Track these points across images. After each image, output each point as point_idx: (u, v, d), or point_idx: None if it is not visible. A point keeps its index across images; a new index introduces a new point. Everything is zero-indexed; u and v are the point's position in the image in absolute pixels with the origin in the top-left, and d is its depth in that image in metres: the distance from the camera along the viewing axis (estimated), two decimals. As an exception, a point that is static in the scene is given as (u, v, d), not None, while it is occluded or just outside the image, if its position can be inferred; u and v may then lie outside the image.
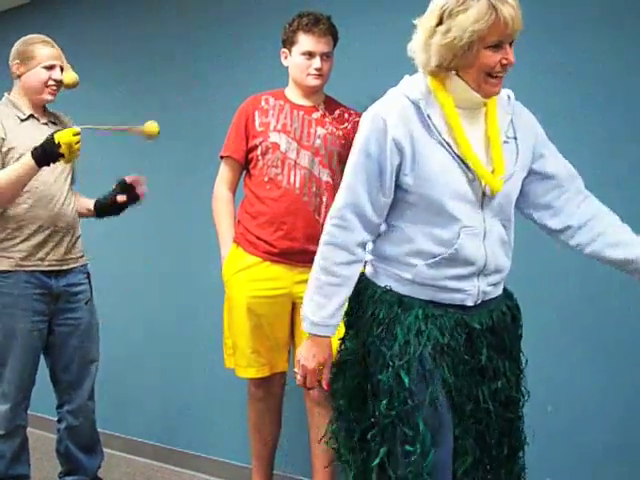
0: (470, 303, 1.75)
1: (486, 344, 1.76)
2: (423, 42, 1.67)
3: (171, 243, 3.51)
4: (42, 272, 2.63)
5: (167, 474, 3.39)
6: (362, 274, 1.83)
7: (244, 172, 2.70)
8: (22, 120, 2.64)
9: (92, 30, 3.82)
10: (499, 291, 1.82)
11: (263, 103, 2.63)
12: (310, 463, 2.67)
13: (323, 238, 1.78)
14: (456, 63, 1.65)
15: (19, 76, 2.66)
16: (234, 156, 2.65)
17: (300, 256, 2.51)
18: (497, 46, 1.62)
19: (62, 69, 2.65)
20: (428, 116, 1.68)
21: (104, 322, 3.52)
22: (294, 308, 2.59)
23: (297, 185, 2.53)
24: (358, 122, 2.56)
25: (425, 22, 1.68)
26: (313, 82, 2.55)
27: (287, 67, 2.61)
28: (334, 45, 2.58)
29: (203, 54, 3.41)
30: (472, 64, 1.64)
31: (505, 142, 1.74)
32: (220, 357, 2.72)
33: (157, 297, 3.57)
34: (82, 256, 2.78)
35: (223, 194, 2.68)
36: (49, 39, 2.67)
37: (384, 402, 1.68)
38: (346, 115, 2.64)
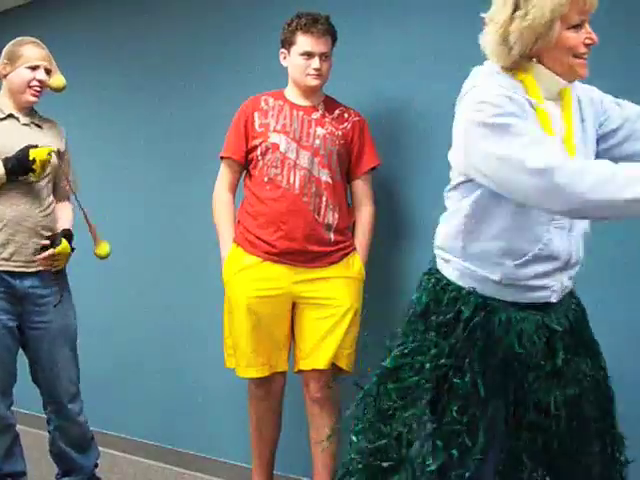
0: (554, 300, 1.71)
1: (563, 346, 1.71)
2: (501, 34, 1.62)
3: (171, 244, 3.51)
4: (6, 272, 2.58)
5: (168, 474, 3.39)
6: (439, 273, 1.77)
7: (244, 173, 2.71)
8: (1, 119, 2.62)
9: (91, 30, 3.82)
10: (572, 284, 1.78)
11: (263, 104, 2.64)
12: (310, 463, 2.68)
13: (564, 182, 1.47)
14: (539, 48, 1.60)
15: (5, 76, 2.65)
16: (234, 157, 2.66)
17: (300, 256, 2.53)
18: (578, 26, 1.59)
19: (48, 71, 2.63)
20: (531, 106, 1.62)
21: (105, 323, 3.54)
22: (294, 308, 2.60)
23: (297, 185, 2.54)
24: (358, 122, 2.63)
25: (499, 13, 1.63)
26: (312, 82, 2.56)
27: (286, 67, 2.62)
28: (333, 45, 2.59)
29: (203, 54, 3.40)
30: (555, 47, 1.60)
31: (582, 129, 1.71)
32: (221, 357, 2.73)
33: (157, 298, 3.56)
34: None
35: (223, 195, 2.69)
36: (39, 41, 2.66)
37: (455, 407, 1.64)
38: (346, 115, 2.64)
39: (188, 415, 3.43)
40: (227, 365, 2.70)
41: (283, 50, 2.61)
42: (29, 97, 2.62)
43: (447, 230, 1.77)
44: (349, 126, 2.61)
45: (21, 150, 2.49)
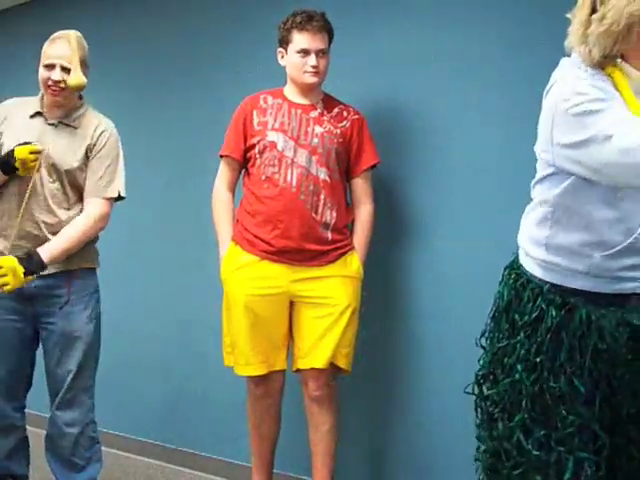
0: None
1: None
2: (581, 34, 1.58)
3: (171, 243, 3.50)
4: None
5: (168, 473, 3.38)
6: (521, 269, 1.74)
7: (244, 171, 2.71)
8: (30, 116, 2.59)
9: (93, 29, 3.81)
10: None
11: (261, 102, 2.64)
12: (310, 461, 2.68)
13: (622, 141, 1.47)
14: (619, 49, 1.55)
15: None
16: (233, 155, 2.66)
17: (297, 255, 2.53)
18: None
19: (67, 70, 2.51)
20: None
21: (104, 322, 3.54)
22: (292, 307, 2.60)
23: (294, 184, 2.54)
24: (357, 120, 2.63)
25: (578, 14, 1.59)
26: (310, 79, 2.55)
27: (284, 67, 2.62)
28: (330, 41, 2.58)
29: (204, 53, 3.40)
30: (637, 47, 1.55)
31: None
32: (220, 356, 2.73)
33: (157, 297, 3.56)
34: (75, 261, 2.59)
35: (222, 194, 2.69)
36: (66, 36, 2.54)
37: (563, 411, 1.62)
38: (345, 113, 2.64)
39: (188, 414, 3.43)
40: (226, 363, 2.69)
41: (280, 49, 2.61)
42: (50, 97, 2.56)
43: (531, 222, 1.74)
44: (348, 124, 2.61)
45: (14, 147, 2.46)
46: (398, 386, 2.80)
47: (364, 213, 2.63)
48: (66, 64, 2.50)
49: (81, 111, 2.64)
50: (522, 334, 1.67)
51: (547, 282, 1.68)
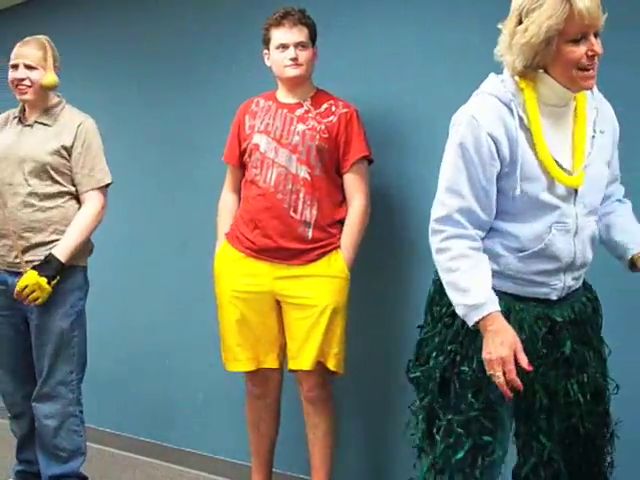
0: (554, 297, 1.76)
1: (569, 336, 1.75)
2: (507, 44, 1.67)
3: (171, 244, 3.50)
4: (2, 270, 2.68)
5: (167, 472, 3.39)
6: None
7: None
8: (14, 122, 2.72)
9: (92, 29, 3.81)
10: (580, 283, 1.82)
11: (253, 106, 2.69)
12: (309, 461, 2.68)
13: (436, 248, 1.73)
14: (540, 61, 1.64)
15: None
16: (229, 161, 2.75)
17: (277, 253, 2.56)
18: (579, 40, 1.60)
19: (31, 68, 2.61)
20: (520, 117, 1.67)
21: (104, 323, 3.54)
22: (281, 307, 2.61)
23: (272, 183, 2.56)
24: (345, 114, 2.59)
25: (507, 24, 1.67)
26: (291, 72, 2.55)
27: (270, 67, 2.63)
28: (311, 35, 2.57)
29: (203, 52, 3.38)
30: (556, 60, 1.63)
31: (593, 137, 1.74)
32: (219, 354, 2.73)
33: (155, 297, 3.56)
34: None
35: (224, 196, 2.78)
36: (33, 39, 2.68)
37: (469, 394, 1.71)
38: (333, 108, 2.61)
39: (188, 413, 3.43)
40: (223, 360, 2.72)
41: (265, 51, 2.64)
42: (18, 95, 2.68)
43: None
44: (335, 119, 2.58)
45: None
46: (397, 386, 2.79)
47: (353, 209, 2.59)
48: (29, 62, 2.61)
49: (58, 109, 2.71)
50: (440, 325, 1.78)
51: None
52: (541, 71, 1.67)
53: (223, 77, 3.31)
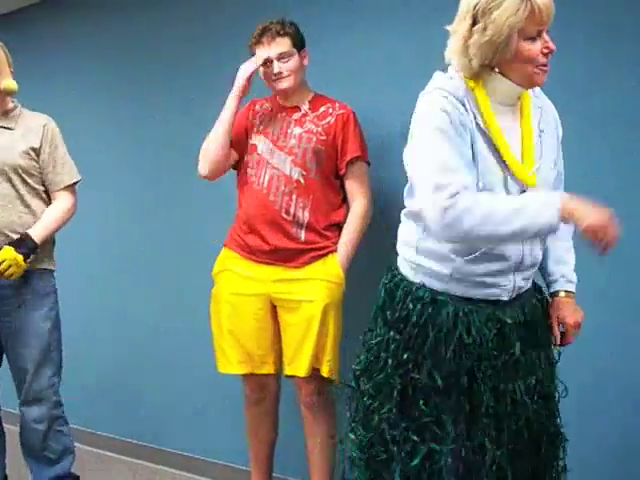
0: (505, 298, 1.77)
1: (518, 337, 1.77)
2: (461, 46, 1.68)
3: (172, 245, 3.49)
4: None
5: (166, 476, 3.38)
6: (396, 270, 1.85)
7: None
8: None
9: (94, 31, 3.81)
10: (530, 284, 1.84)
11: (257, 106, 2.69)
12: (308, 466, 2.68)
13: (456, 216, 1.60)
14: (498, 59, 1.66)
15: None
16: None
17: (272, 255, 2.55)
18: (535, 37, 1.64)
19: None
20: (474, 114, 1.68)
21: (103, 327, 3.53)
22: (275, 310, 2.60)
23: (265, 185, 2.56)
24: (342, 115, 2.57)
25: (459, 26, 1.68)
26: (280, 86, 2.57)
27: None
28: (294, 42, 2.55)
29: (204, 55, 3.37)
30: (514, 58, 1.64)
31: (540, 136, 1.77)
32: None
33: (156, 301, 3.56)
34: (31, 263, 2.65)
35: None
36: None
37: (421, 400, 1.72)
38: (331, 110, 2.60)
39: (187, 417, 3.42)
40: (216, 361, 2.71)
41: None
42: None
43: (404, 228, 1.86)
44: (332, 120, 2.57)
45: None
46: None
47: (352, 211, 2.58)
48: None
49: (16, 113, 2.74)
50: (393, 331, 1.78)
51: (416, 283, 1.79)
52: (496, 71, 1.68)
53: (224, 82, 3.28)
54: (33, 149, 2.70)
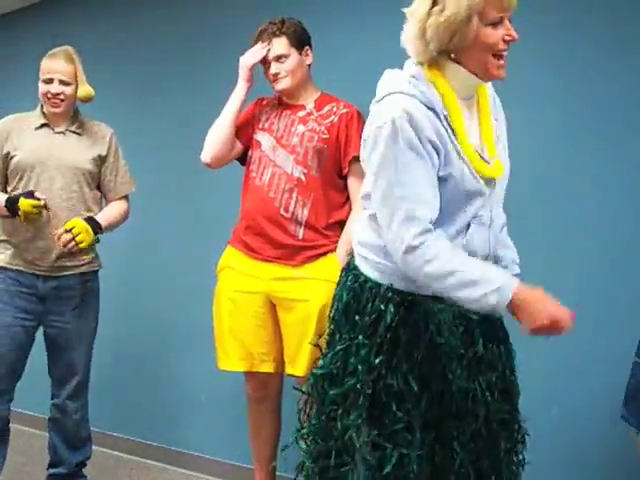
0: None
1: (481, 333, 1.73)
2: (418, 29, 1.61)
3: (172, 246, 3.51)
4: (30, 273, 2.73)
5: (170, 475, 3.38)
6: (358, 270, 1.76)
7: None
8: (36, 128, 2.77)
9: (93, 33, 3.82)
10: None
11: (264, 103, 2.70)
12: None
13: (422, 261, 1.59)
14: (456, 44, 1.59)
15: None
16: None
17: (272, 251, 2.55)
18: (497, 23, 1.58)
19: (66, 83, 2.71)
20: (445, 116, 1.62)
21: (106, 324, 3.53)
22: (275, 310, 2.60)
23: (266, 182, 2.56)
24: (345, 114, 2.57)
25: (417, 9, 1.62)
26: (278, 87, 2.58)
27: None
28: (293, 42, 2.55)
29: (206, 55, 3.39)
30: (473, 44, 1.59)
31: (495, 126, 1.74)
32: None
33: (159, 299, 3.56)
34: (86, 264, 2.81)
35: None
36: (63, 52, 2.75)
37: (394, 407, 1.64)
38: (335, 109, 2.60)
39: (190, 416, 3.42)
40: (216, 358, 2.71)
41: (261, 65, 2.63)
42: (50, 108, 2.75)
43: (368, 229, 1.76)
44: (335, 119, 2.57)
45: (18, 195, 2.64)
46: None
47: (352, 210, 2.56)
48: (64, 78, 2.71)
49: (80, 119, 2.84)
50: (362, 335, 1.69)
51: (384, 284, 1.70)
52: (452, 58, 1.62)
53: (227, 79, 3.29)
54: (100, 157, 2.81)
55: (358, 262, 1.78)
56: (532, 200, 2.49)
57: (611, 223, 2.40)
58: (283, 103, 2.64)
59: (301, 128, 2.56)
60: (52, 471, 2.93)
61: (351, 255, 1.84)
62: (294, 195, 2.53)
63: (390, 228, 1.61)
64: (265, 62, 2.56)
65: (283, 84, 2.56)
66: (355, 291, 1.73)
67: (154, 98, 3.60)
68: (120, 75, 3.72)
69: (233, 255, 2.64)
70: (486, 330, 1.74)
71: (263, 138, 2.60)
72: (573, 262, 2.45)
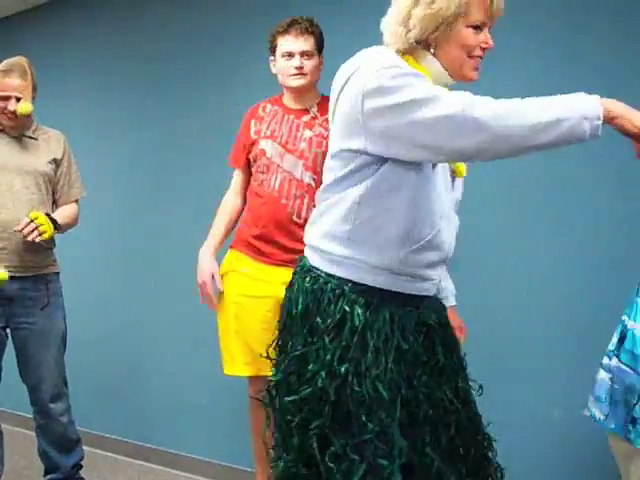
0: (432, 292, 1.71)
1: (439, 341, 1.70)
2: (404, 14, 1.61)
3: (172, 248, 3.50)
4: None
5: (171, 478, 3.38)
6: (315, 270, 1.67)
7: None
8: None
9: (93, 33, 3.83)
10: None
11: (260, 111, 2.67)
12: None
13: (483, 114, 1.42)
14: (436, 38, 1.59)
15: None
16: (234, 165, 2.73)
17: (284, 256, 2.54)
18: (479, 27, 1.59)
19: (19, 99, 2.72)
20: None
21: (104, 328, 3.54)
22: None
23: (276, 188, 2.55)
24: None
25: None
26: (295, 82, 2.55)
27: (276, 75, 2.61)
28: (317, 45, 2.56)
29: (206, 57, 3.40)
30: (452, 41, 1.59)
31: None
32: (220, 360, 2.72)
33: (159, 302, 3.56)
34: (48, 265, 2.82)
35: (227, 197, 2.76)
36: (17, 67, 2.73)
37: (363, 416, 1.54)
38: None
39: (191, 419, 3.42)
40: (222, 363, 2.71)
41: (271, 57, 2.62)
42: (6, 122, 2.76)
43: (330, 219, 1.65)
44: None
45: None
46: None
47: None
48: (20, 95, 2.72)
49: (35, 125, 2.89)
50: (325, 338, 1.58)
51: (347, 280, 1.61)
52: (430, 52, 1.61)
53: (227, 81, 3.31)
54: (55, 160, 2.86)
55: (316, 262, 1.68)
56: (532, 200, 2.49)
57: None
58: (284, 107, 2.63)
59: (308, 133, 2.56)
60: (49, 477, 2.91)
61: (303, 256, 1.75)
62: (305, 201, 2.53)
63: (447, 104, 1.45)
64: (286, 54, 2.52)
65: (302, 80, 2.54)
66: (315, 293, 1.63)
67: (154, 98, 3.60)
68: (120, 75, 3.72)
69: (239, 259, 2.63)
70: (443, 337, 1.72)
71: (267, 145, 2.59)
72: (573, 262, 2.45)
